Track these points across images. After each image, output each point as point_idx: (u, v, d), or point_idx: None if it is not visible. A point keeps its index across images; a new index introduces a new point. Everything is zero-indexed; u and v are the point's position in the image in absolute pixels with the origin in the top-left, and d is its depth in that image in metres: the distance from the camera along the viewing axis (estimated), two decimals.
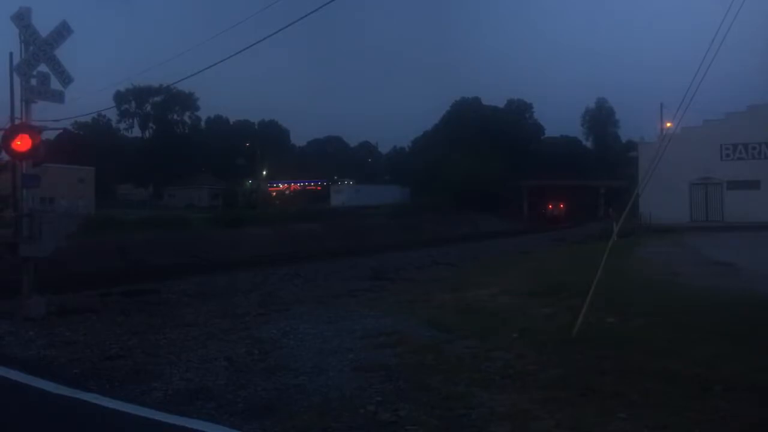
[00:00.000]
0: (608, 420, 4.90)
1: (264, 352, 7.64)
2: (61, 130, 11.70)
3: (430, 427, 4.95)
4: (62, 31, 11.56)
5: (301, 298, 12.85)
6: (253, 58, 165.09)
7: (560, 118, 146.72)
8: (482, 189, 63.62)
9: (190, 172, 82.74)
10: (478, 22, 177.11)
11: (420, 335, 8.29)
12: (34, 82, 11.30)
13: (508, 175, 69.25)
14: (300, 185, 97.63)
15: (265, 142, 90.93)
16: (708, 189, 37.47)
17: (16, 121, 11.18)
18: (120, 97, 76.83)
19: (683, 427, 4.73)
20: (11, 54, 11.26)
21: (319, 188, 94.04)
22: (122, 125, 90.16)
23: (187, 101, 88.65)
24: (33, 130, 11.04)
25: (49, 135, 11.69)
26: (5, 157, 12.29)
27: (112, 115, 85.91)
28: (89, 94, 22.84)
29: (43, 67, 11.38)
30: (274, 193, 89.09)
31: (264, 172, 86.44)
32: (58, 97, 11.66)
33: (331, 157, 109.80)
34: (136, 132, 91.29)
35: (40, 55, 11.29)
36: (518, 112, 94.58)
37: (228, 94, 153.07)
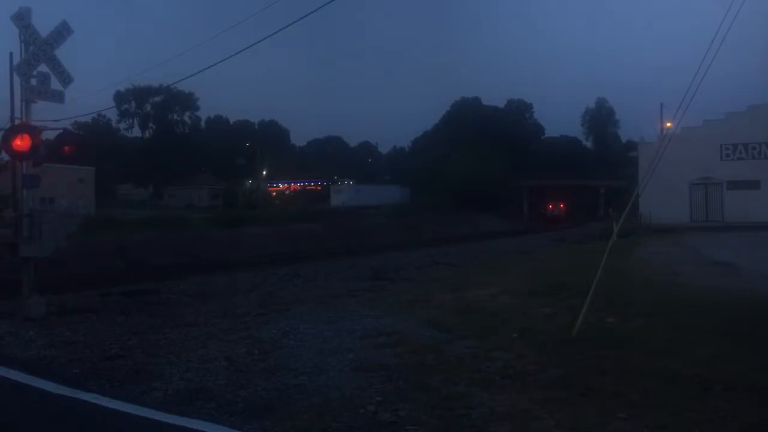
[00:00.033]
0: (608, 420, 4.90)
1: (264, 352, 7.64)
2: (61, 130, 11.66)
3: (430, 427, 4.95)
4: (62, 31, 11.57)
5: (301, 298, 12.85)
6: (253, 58, 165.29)
7: (560, 118, 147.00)
8: (482, 189, 63.62)
9: (190, 172, 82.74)
10: (478, 22, 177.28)
11: (420, 335, 8.29)
12: (34, 82, 11.30)
13: (508, 175, 69.25)
14: (300, 185, 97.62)
15: (265, 142, 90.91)
16: (708, 189, 37.47)
17: (16, 121, 11.18)
18: (120, 97, 76.87)
19: (683, 427, 4.73)
20: (11, 54, 11.27)
21: (319, 188, 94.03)
22: (122, 125, 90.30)
23: (187, 101, 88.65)
24: (33, 130, 11.05)
25: (49, 135, 11.66)
26: (5, 157, 12.31)
27: (112, 115, 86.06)
28: (89, 94, 22.85)
29: (43, 67, 11.39)
30: (274, 193, 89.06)
31: (264, 172, 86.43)
32: (58, 97, 11.67)
33: (331, 157, 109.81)
34: (136, 132, 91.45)
35: (40, 55, 11.29)
36: (518, 112, 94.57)
37: (228, 94, 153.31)
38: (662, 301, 9.52)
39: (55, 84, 11.54)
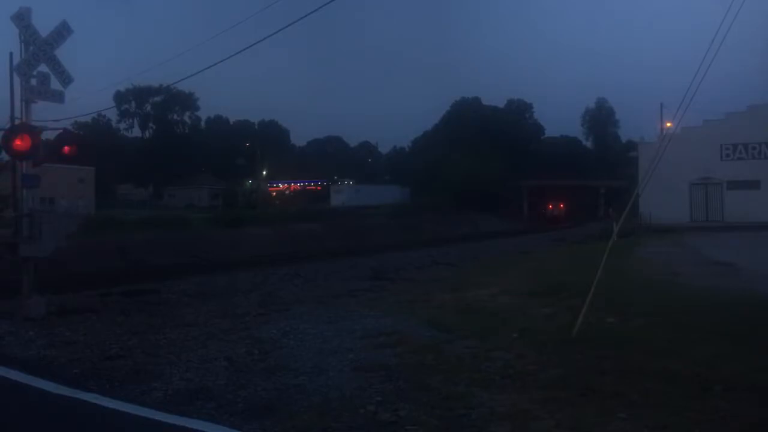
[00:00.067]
0: (608, 420, 4.90)
1: (264, 352, 7.64)
2: (61, 130, 11.67)
3: (430, 427, 4.95)
4: (62, 31, 11.57)
5: (301, 298, 12.85)
6: (253, 58, 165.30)
7: (560, 118, 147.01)
8: (482, 189, 63.62)
9: (190, 172, 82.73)
10: (478, 22, 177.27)
11: (420, 335, 8.29)
12: (34, 82, 11.30)
13: (508, 175, 69.24)
14: (300, 185, 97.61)
15: (265, 142, 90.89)
16: (708, 189, 37.46)
17: (16, 121, 11.18)
18: (120, 97, 76.87)
19: (683, 427, 4.73)
20: (11, 54, 11.28)
21: (319, 188, 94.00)
22: (122, 125, 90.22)
23: (187, 101, 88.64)
24: (33, 130, 11.05)
25: (49, 135, 11.67)
26: (5, 157, 12.31)
27: (112, 115, 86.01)
28: (89, 94, 22.89)
29: (43, 67, 11.39)
30: (274, 193, 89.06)
31: (264, 172, 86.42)
32: (58, 97, 11.67)
33: (331, 157, 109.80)
34: (136, 132, 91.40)
35: (40, 55, 11.29)
36: (518, 112, 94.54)
37: (228, 94, 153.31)
38: (662, 301, 9.52)
39: (55, 84, 11.55)
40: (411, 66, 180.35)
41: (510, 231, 50.44)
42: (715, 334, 7.33)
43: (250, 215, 46.38)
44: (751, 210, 32.81)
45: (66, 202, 47.48)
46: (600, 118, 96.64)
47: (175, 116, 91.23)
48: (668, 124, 35.60)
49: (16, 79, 11.20)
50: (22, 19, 11.12)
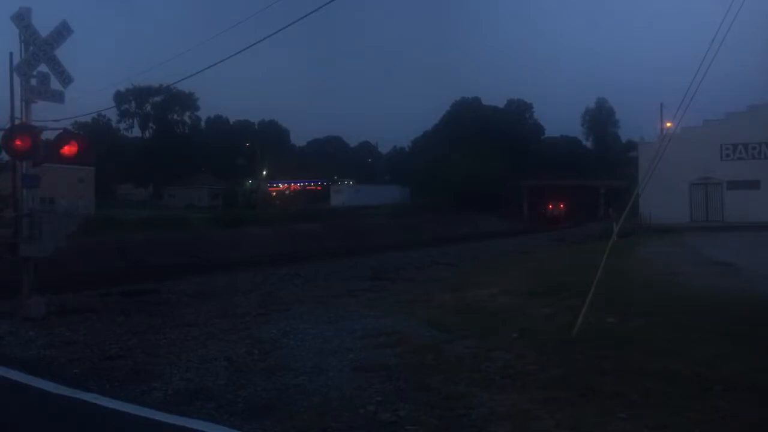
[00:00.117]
0: (608, 420, 4.90)
1: (264, 352, 7.64)
2: (61, 130, 11.67)
3: (430, 427, 4.95)
4: (62, 31, 11.56)
5: (301, 298, 12.85)
6: (253, 58, 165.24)
7: (560, 118, 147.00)
8: (482, 189, 63.62)
9: (190, 172, 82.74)
10: (478, 22, 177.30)
11: (420, 335, 8.29)
12: (34, 82, 11.29)
13: (508, 175, 69.24)
14: (300, 185, 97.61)
15: (265, 142, 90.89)
16: (708, 189, 37.47)
17: (16, 121, 11.18)
18: (120, 97, 76.86)
19: (683, 427, 4.73)
20: (11, 54, 11.27)
21: (319, 188, 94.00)
22: (122, 125, 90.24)
23: (187, 101, 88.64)
24: (33, 130, 11.05)
25: (49, 135, 11.66)
26: (5, 156, 12.31)
27: (112, 115, 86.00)
28: (89, 94, 22.87)
29: (43, 67, 11.38)
30: (274, 193, 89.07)
31: (264, 172, 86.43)
32: (58, 97, 11.66)
33: (331, 157, 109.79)
34: (136, 132, 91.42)
35: (40, 55, 11.29)
36: (518, 112, 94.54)
37: (228, 94, 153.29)
38: (662, 301, 9.52)
39: (55, 84, 11.54)
40: (411, 66, 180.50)
41: (510, 231, 50.44)
42: (715, 334, 7.33)
43: (250, 215, 46.38)
44: (751, 210, 32.81)
45: (66, 202, 47.47)
46: (600, 118, 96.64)
47: (175, 116, 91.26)
48: (668, 124, 35.62)
49: (16, 79, 11.19)
50: (22, 19, 11.12)
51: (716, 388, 5.49)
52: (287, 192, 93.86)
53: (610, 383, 5.76)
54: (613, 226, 13.72)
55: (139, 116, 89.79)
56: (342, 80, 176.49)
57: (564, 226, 58.19)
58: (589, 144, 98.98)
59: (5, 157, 12.88)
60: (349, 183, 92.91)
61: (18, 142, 10.78)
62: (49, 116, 12.34)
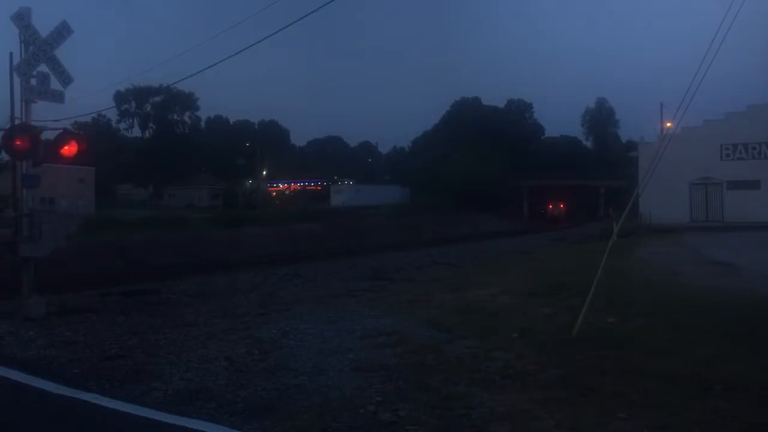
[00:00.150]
0: (608, 420, 4.90)
1: (264, 352, 7.64)
2: (61, 130, 11.67)
3: (430, 427, 4.95)
4: (62, 31, 11.56)
5: (301, 298, 12.85)
6: (253, 58, 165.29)
7: (560, 118, 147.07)
8: (482, 189, 63.62)
9: (190, 172, 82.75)
10: (478, 22, 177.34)
11: (420, 335, 8.29)
12: (34, 82, 11.29)
13: (508, 175, 69.23)
14: (300, 185, 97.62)
15: (265, 142, 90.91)
16: (708, 189, 37.46)
17: (16, 121, 11.18)
18: (120, 97, 76.86)
19: (683, 427, 4.73)
20: (11, 54, 11.26)
21: (319, 188, 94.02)
22: (122, 125, 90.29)
23: (187, 101, 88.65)
24: (33, 130, 11.05)
25: (49, 135, 11.66)
26: (5, 157, 12.31)
27: (112, 115, 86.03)
28: (89, 94, 22.82)
29: (43, 67, 11.38)
30: (274, 193, 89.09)
31: (264, 172, 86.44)
32: (58, 97, 11.66)
33: (331, 157, 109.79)
34: (136, 132, 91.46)
35: (40, 55, 11.29)
36: (518, 112, 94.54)
37: (228, 94, 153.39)
38: (662, 301, 9.52)
39: (55, 84, 11.53)
40: (411, 66, 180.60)
41: (510, 231, 50.44)
42: (715, 334, 7.33)
43: (250, 215, 46.38)
44: (751, 210, 32.80)
45: (66, 202, 47.52)
46: (600, 118, 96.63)
47: (175, 116, 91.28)
48: (668, 124, 35.63)
49: (16, 79, 11.19)
50: (22, 19, 11.12)
51: (716, 388, 5.49)
52: (287, 192, 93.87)
53: (610, 383, 5.76)
54: (613, 226, 13.72)
55: (139, 116, 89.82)
56: (342, 80, 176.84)
57: (564, 226, 58.20)
58: (589, 144, 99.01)
59: (5, 157, 12.87)
60: (349, 183, 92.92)
61: (18, 142, 10.78)
62: (49, 116, 12.36)
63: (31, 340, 8.72)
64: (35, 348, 8.24)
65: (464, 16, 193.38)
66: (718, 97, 30.09)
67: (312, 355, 7.37)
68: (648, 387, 5.59)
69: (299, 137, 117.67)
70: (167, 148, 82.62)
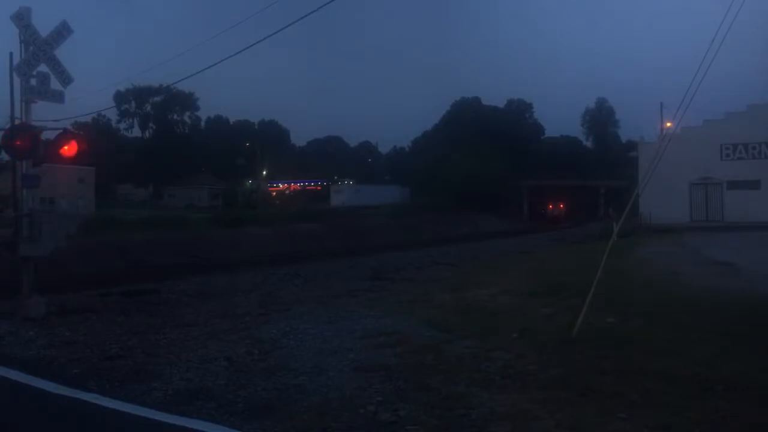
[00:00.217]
0: (608, 420, 4.90)
1: (264, 352, 7.64)
2: (61, 130, 11.67)
3: (430, 427, 4.95)
4: (62, 31, 11.56)
5: (301, 298, 12.85)
6: (253, 58, 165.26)
7: (560, 118, 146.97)
8: (482, 189, 63.57)
9: (190, 172, 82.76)
10: (478, 22, 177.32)
11: (420, 335, 8.29)
12: (34, 82, 11.29)
13: (508, 175, 69.21)
14: (300, 185, 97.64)
15: (265, 142, 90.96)
16: (708, 189, 37.46)
17: (16, 121, 11.18)
18: (120, 97, 76.88)
19: (683, 427, 4.73)
20: (11, 54, 11.26)
21: (319, 188, 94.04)
22: (122, 125, 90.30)
23: (187, 101, 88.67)
24: (33, 130, 11.05)
25: (49, 135, 11.66)
26: (5, 157, 12.30)
27: (112, 115, 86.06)
28: (89, 94, 22.83)
29: (43, 67, 11.38)
30: (274, 193, 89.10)
31: (264, 172, 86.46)
32: (58, 97, 11.66)
33: (331, 157, 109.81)
34: (136, 132, 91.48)
35: (40, 55, 11.29)
36: (518, 112, 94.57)
37: (228, 94, 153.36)
38: (662, 301, 9.52)
39: (55, 84, 11.53)
40: (411, 66, 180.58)
41: (510, 231, 50.43)
42: (715, 334, 7.33)
43: (250, 215, 46.38)
44: (751, 210, 32.79)
45: (66, 202, 47.53)
46: (600, 118, 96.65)
47: (175, 116, 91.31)
48: (668, 124, 35.60)
49: (16, 79, 11.19)
50: (21, 19, 11.12)
51: (716, 388, 5.49)
52: (287, 192, 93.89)
53: (610, 383, 5.76)
54: (613, 226, 13.72)
55: (139, 116, 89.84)
56: (342, 80, 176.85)
57: (564, 226, 58.18)
58: (589, 144, 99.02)
59: (5, 157, 12.86)
60: (349, 183, 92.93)
61: (18, 142, 10.79)
62: (49, 116, 12.36)
63: (31, 340, 8.72)
64: (35, 348, 8.24)
65: (464, 16, 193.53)
66: (718, 97, 30.09)
67: (312, 355, 7.38)
68: (648, 387, 5.59)
69: (299, 137, 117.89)
70: (167, 148, 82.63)
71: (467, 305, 10.54)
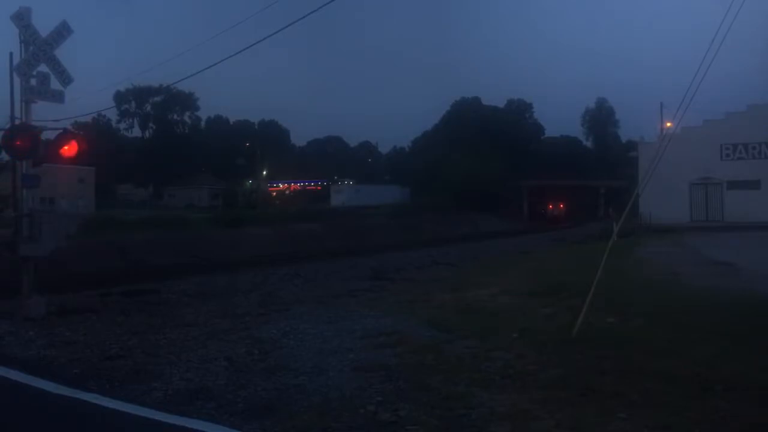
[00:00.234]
0: (608, 420, 4.90)
1: (264, 352, 7.64)
2: (61, 130, 11.67)
3: (430, 427, 4.95)
4: (62, 31, 11.56)
5: (301, 298, 12.85)
6: (253, 58, 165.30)
7: (560, 118, 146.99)
8: (482, 189, 63.57)
9: (190, 172, 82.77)
10: (478, 22, 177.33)
11: (420, 335, 8.29)
12: (34, 82, 11.29)
13: (508, 175, 69.20)
14: (300, 185, 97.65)
15: (265, 142, 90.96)
16: (708, 189, 37.46)
17: (16, 121, 11.18)
18: (120, 97, 76.90)
19: (683, 427, 4.73)
20: (11, 54, 11.26)
21: (319, 188, 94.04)
22: (122, 125, 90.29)
23: (187, 101, 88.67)
24: (33, 130, 11.05)
25: (49, 135, 11.67)
26: (5, 157, 12.30)
27: (112, 115, 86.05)
28: (89, 94, 22.85)
29: (43, 67, 11.38)
30: (274, 193, 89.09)
31: (264, 172, 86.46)
32: (58, 97, 11.66)
33: (331, 157, 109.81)
34: (136, 132, 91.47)
35: (40, 55, 11.29)
36: (518, 112, 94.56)
37: (228, 94, 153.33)
38: (662, 301, 9.52)
39: (55, 84, 11.53)
40: (411, 66, 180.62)
41: (510, 231, 50.43)
42: (715, 334, 7.33)
43: (250, 215, 46.37)
44: (751, 210, 32.79)
45: (66, 202, 47.53)
46: (600, 118, 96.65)
47: (175, 116, 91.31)
48: (668, 124, 35.60)
49: (16, 79, 11.19)
50: (21, 18, 11.12)
51: (716, 388, 5.49)
52: (287, 192, 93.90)
53: (610, 383, 5.76)
54: (613, 226, 13.72)
55: (139, 116, 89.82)
56: (342, 80, 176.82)
57: (564, 226, 58.18)
58: (589, 144, 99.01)
59: (5, 157, 12.86)
60: (349, 183, 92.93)
61: (18, 142, 10.79)
62: (49, 116, 12.37)
63: (31, 340, 8.72)
64: (35, 348, 8.24)
65: (464, 16, 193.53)
66: (718, 97, 30.09)
67: (312, 355, 7.38)
68: (648, 387, 5.59)
69: (299, 137, 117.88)
70: (167, 148, 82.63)
71: (467, 305, 10.54)
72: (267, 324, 9.51)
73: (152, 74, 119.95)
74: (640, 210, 32.58)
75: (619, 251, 13.96)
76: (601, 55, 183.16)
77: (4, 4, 12.73)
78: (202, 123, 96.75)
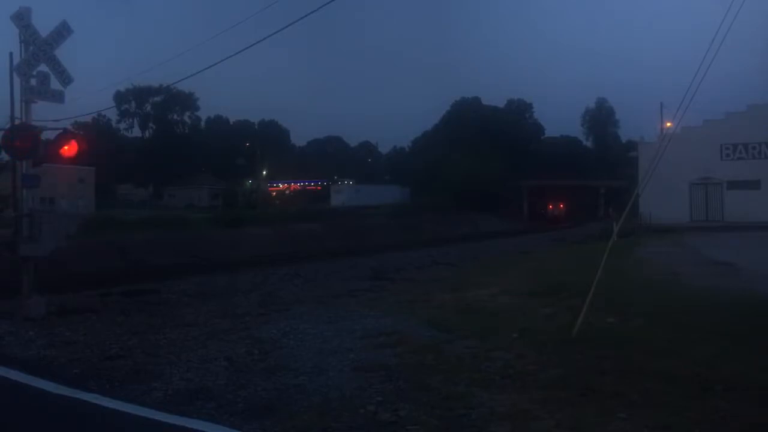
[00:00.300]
0: (608, 420, 4.90)
1: (264, 352, 7.64)
2: (61, 130, 11.67)
3: (430, 427, 4.95)
4: (62, 31, 11.56)
5: (301, 298, 12.85)
6: (253, 58, 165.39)
7: (560, 118, 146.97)
8: (482, 189, 63.56)
9: (190, 172, 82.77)
10: (478, 22, 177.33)
11: (420, 335, 8.29)
12: (34, 82, 11.29)
13: (508, 175, 69.19)
14: (300, 185, 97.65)
15: (265, 142, 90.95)
16: (708, 189, 37.46)
17: (16, 121, 11.18)
18: (120, 97, 76.93)
19: (683, 427, 4.73)
20: (11, 54, 11.27)
21: (319, 188, 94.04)
22: (122, 125, 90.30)
23: (187, 101, 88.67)
24: (33, 130, 11.05)
25: (49, 135, 11.67)
26: (5, 157, 12.30)
27: (112, 115, 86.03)
28: (89, 94, 22.86)
29: (43, 67, 11.38)
30: (274, 193, 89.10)
31: (264, 172, 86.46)
32: (58, 97, 11.66)
33: (331, 157, 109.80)
34: (136, 132, 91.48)
35: (40, 55, 11.29)
36: (518, 112, 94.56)
37: (228, 94, 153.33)
38: (662, 301, 9.52)
39: (55, 84, 11.53)
40: (411, 66, 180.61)
41: (510, 231, 50.43)
42: (715, 334, 7.33)
43: (250, 215, 46.37)
44: (751, 210, 32.79)
45: (66, 202, 47.53)
46: (600, 118, 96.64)
47: (175, 116, 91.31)
48: (668, 124, 35.63)
49: (16, 79, 11.19)
50: (21, 18, 11.12)
51: (716, 388, 5.49)
52: (287, 192, 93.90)
53: (610, 383, 5.76)
54: (613, 226, 13.71)
55: (139, 116, 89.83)
56: (342, 80, 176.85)
57: (564, 226, 58.17)
58: (589, 144, 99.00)
59: (5, 157, 12.86)
60: (349, 183, 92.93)
61: (18, 142, 10.79)
62: (49, 116, 12.37)
63: (31, 340, 8.72)
64: (35, 348, 8.24)
65: (464, 16, 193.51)
66: (718, 97, 30.09)
67: (312, 355, 7.38)
68: (648, 387, 5.59)
69: (299, 137, 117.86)
70: (167, 148, 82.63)
71: (467, 305, 10.54)
72: (267, 324, 9.51)
73: (152, 74, 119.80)
74: (640, 210, 32.58)
75: (619, 251, 13.96)
76: (601, 55, 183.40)
77: (4, 4, 12.75)
78: (202, 123, 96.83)
